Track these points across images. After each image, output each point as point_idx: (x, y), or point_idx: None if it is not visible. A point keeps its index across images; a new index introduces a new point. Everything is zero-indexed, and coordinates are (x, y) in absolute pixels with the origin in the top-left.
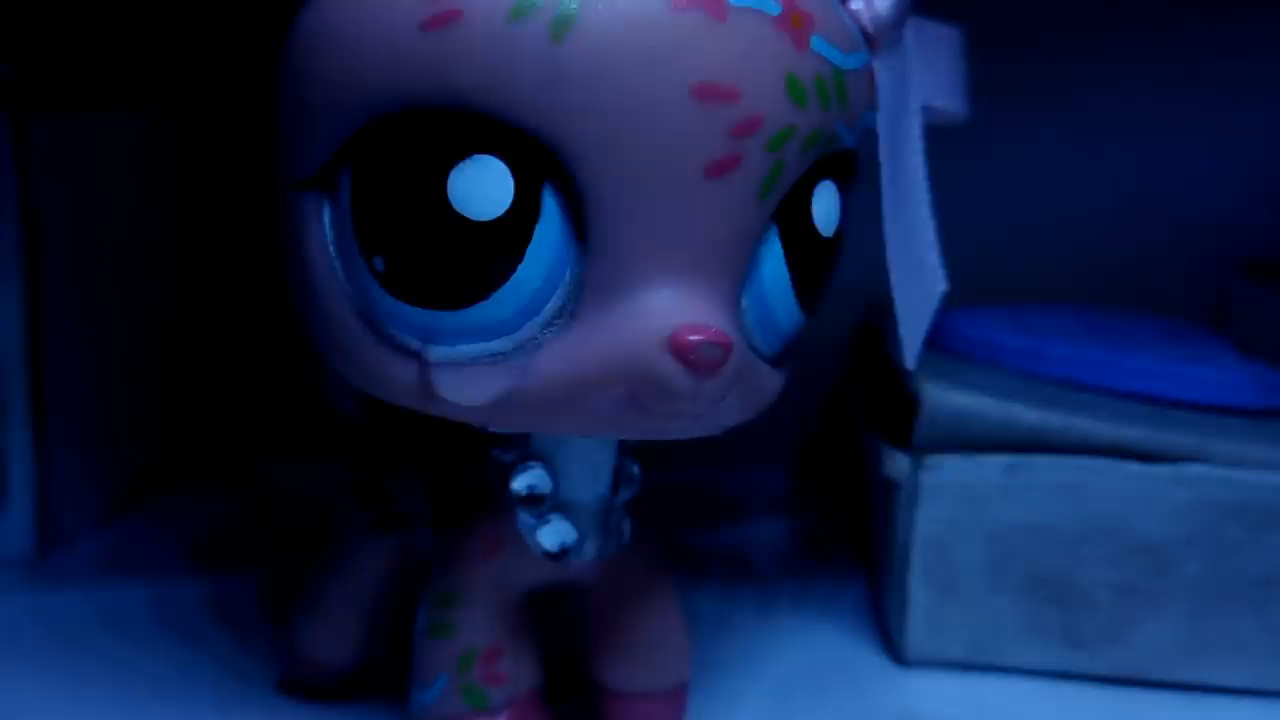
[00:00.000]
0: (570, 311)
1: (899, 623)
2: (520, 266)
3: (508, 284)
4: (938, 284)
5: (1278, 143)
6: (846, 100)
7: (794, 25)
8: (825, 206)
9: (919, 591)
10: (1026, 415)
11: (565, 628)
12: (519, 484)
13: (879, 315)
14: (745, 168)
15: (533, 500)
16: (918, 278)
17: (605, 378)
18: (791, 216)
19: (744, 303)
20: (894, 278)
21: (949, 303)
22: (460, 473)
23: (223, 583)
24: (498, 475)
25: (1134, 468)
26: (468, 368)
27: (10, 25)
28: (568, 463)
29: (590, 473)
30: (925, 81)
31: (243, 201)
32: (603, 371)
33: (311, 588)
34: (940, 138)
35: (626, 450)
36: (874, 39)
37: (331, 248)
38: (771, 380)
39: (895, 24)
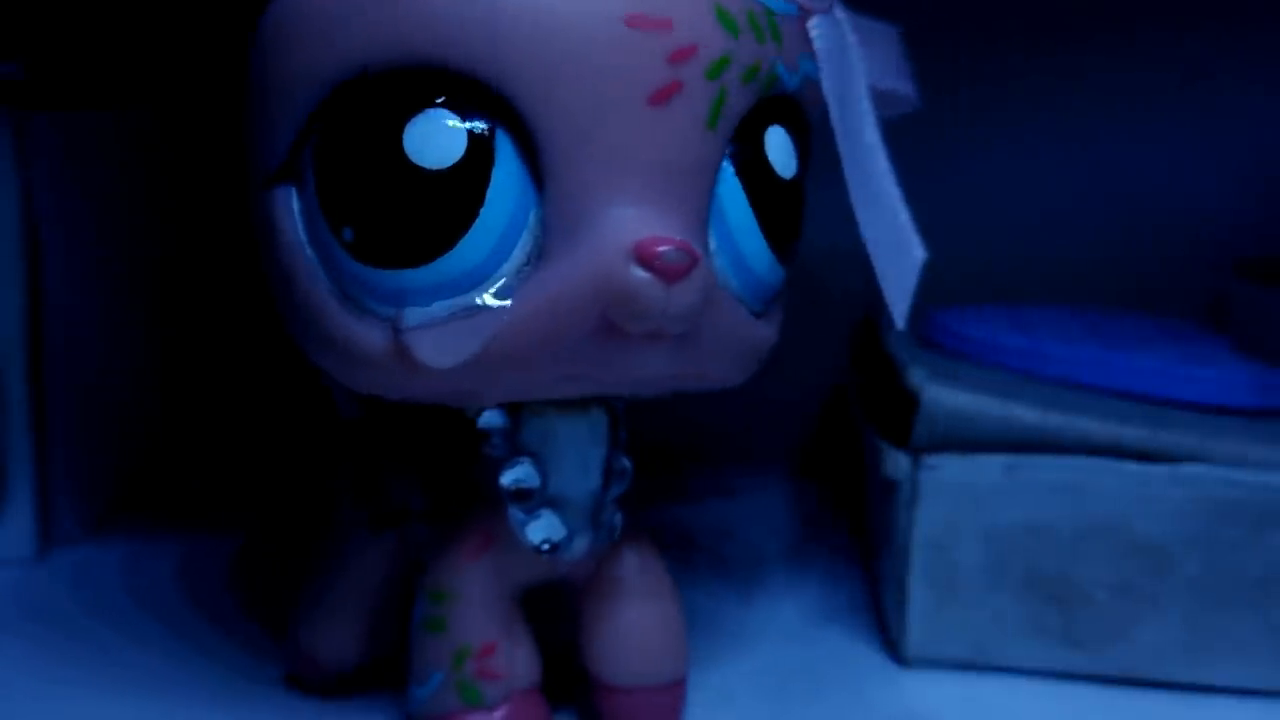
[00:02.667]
0: (537, 255)
1: (899, 622)
2: (482, 211)
3: (471, 230)
4: (916, 252)
5: (1275, 142)
6: (780, 38)
7: None
8: (779, 149)
9: (919, 591)
10: (1026, 415)
11: (562, 623)
12: (507, 479)
13: (878, 314)
14: (688, 95)
15: (521, 495)
16: (896, 249)
17: (577, 304)
18: (747, 156)
19: (712, 244)
20: (871, 250)
21: (949, 302)
22: (457, 470)
23: (222, 583)
24: (488, 471)
25: (1133, 468)
26: (443, 327)
27: (11, 24)
28: (557, 458)
29: (580, 468)
30: (872, 66)
31: (243, 199)
32: (574, 298)
33: (311, 586)
34: (940, 138)
35: (617, 445)
36: (805, 6)
37: (303, 235)
38: (757, 332)
39: None
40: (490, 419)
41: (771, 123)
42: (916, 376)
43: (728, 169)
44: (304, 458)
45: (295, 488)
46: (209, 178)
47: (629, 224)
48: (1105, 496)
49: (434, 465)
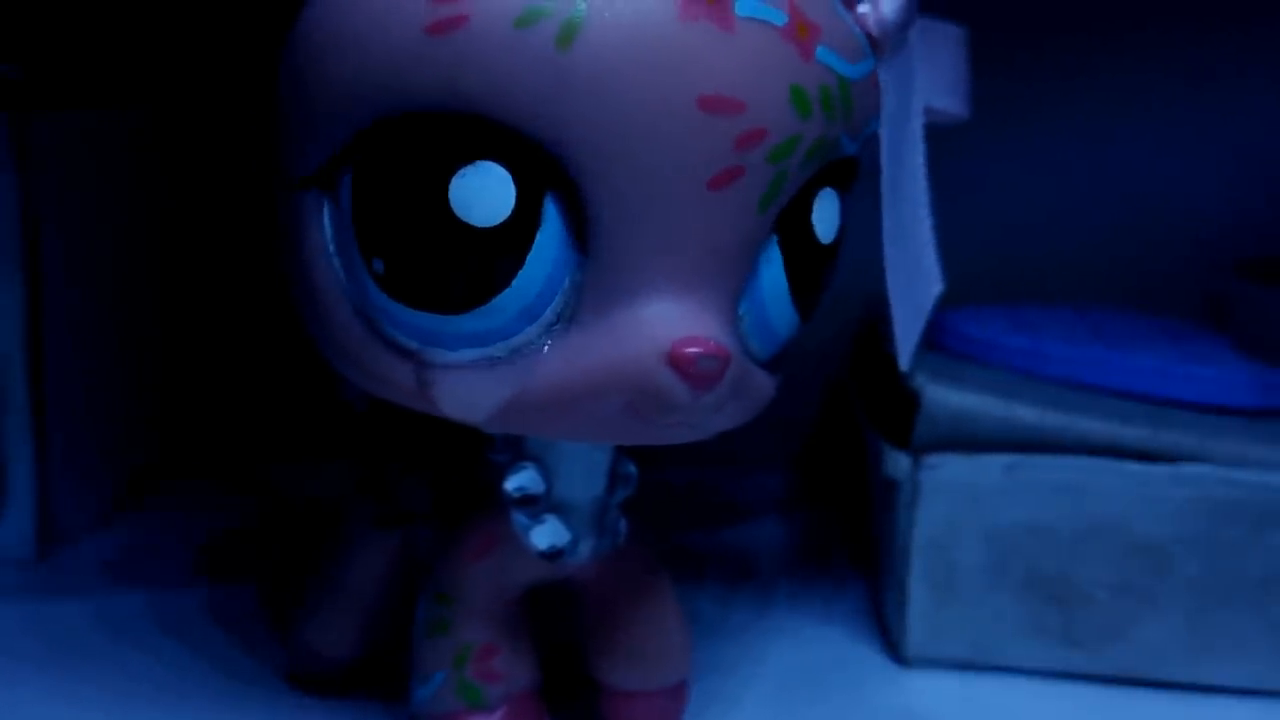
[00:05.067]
0: (569, 317)
1: (899, 622)
2: (520, 273)
3: (507, 290)
4: (934, 285)
5: (1275, 142)
6: (851, 110)
7: (800, 36)
8: (825, 214)
9: (919, 591)
10: (1026, 415)
11: (563, 626)
12: (511, 485)
13: (879, 315)
14: (747, 179)
15: (525, 500)
16: (914, 278)
17: (603, 387)
18: (792, 225)
19: (740, 310)
20: (890, 278)
21: (949, 302)
22: (464, 470)
23: (223, 583)
24: (492, 475)
25: (1134, 468)
26: (466, 372)
27: (10, 25)
28: (561, 463)
29: (584, 473)
30: (927, 82)
31: (243, 200)
32: (601, 381)
33: (314, 583)
34: (940, 137)
35: (622, 451)
36: (879, 43)
37: (331, 246)
38: (766, 385)
39: (902, 27)
40: None
41: (823, 186)
42: (917, 377)
43: (771, 240)
44: (308, 454)
45: (299, 485)
46: (209, 177)
47: (665, 319)
48: (1105, 496)
49: (440, 466)
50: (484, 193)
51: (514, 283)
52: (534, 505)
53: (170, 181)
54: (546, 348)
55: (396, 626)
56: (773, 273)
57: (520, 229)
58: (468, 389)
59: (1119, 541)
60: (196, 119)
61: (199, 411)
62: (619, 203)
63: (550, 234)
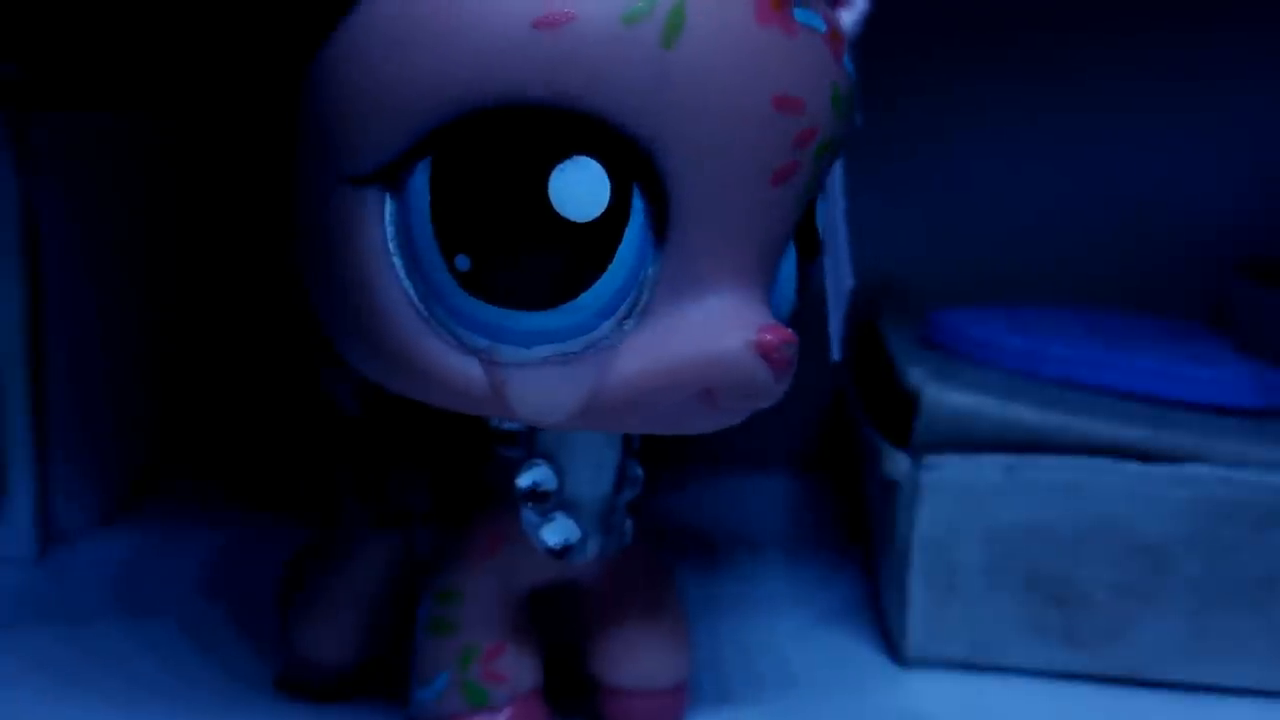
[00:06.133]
0: (641, 310)
1: (899, 623)
2: (609, 267)
3: (595, 285)
4: (847, 280)
5: (1275, 142)
6: (854, 111)
7: (834, 43)
8: (821, 210)
9: (919, 591)
10: (1026, 415)
11: (566, 626)
12: (525, 480)
13: (879, 315)
14: (798, 175)
15: (537, 497)
16: (838, 276)
17: (688, 378)
18: (803, 221)
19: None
20: (826, 277)
21: (949, 303)
22: (463, 470)
23: (223, 584)
24: (503, 472)
25: (1134, 468)
26: (541, 370)
27: (10, 25)
28: (572, 461)
29: (594, 472)
30: None
31: (244, 201)
32: (686, 372)
33: (311, 585)
34: (940, 138)
35: (630, 451)
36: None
37: (391, 245)
38: None
39: (855, 41)
40: (509, 421)
41: (822, 186)
42: (916, 376)
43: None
44: (305, 456)
45: (297, 487)
46: (210, 177)
47: (741, 310)
48: (1105, 496)
49: (441, 465)
50: (583, 187)
51: (604, 276)
52: (545, 502)
53: (171, 181)
54: (621, 342)
55: (394, 631)
56: (789, 265)
57: (613, 223)
58: (545, 388)
59: (1119, 541)
60: (197, 121)
61: (199, 411)
62: (701, 195)
63: (636, 228)
